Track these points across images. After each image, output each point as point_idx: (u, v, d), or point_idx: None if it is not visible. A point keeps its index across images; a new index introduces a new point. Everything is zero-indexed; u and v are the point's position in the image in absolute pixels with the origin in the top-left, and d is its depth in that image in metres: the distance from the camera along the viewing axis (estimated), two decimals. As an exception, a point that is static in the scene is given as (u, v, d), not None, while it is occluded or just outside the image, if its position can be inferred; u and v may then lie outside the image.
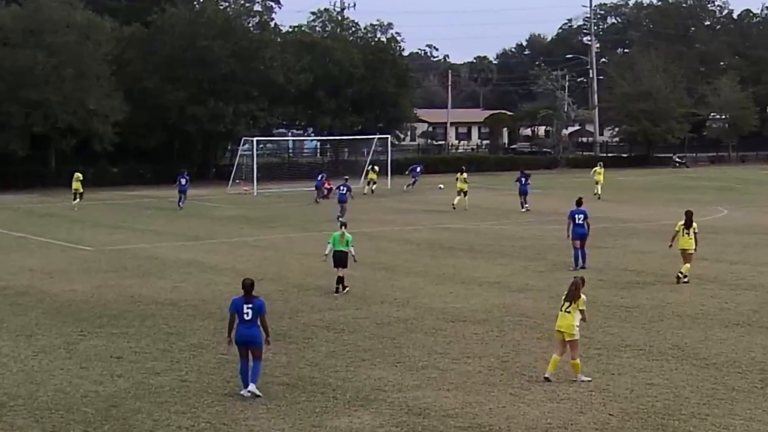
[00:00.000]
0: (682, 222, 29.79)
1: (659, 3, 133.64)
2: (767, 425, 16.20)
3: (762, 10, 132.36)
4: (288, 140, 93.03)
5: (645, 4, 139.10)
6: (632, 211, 51.09)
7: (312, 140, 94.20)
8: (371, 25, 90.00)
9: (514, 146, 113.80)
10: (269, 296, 26.79)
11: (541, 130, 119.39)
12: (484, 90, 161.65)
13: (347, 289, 27.57)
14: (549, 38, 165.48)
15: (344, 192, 48.55)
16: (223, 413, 16.71)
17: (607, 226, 38.75)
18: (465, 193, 53.16)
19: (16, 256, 34.94)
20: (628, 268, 32.12)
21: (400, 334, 22.42)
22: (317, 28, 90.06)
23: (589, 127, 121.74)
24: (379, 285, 28.72)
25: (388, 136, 77.16)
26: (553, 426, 16.11)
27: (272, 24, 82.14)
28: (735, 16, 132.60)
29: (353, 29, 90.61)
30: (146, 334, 22.46)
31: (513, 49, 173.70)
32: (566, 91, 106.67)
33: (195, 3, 78.71)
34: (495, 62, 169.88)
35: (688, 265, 29.30)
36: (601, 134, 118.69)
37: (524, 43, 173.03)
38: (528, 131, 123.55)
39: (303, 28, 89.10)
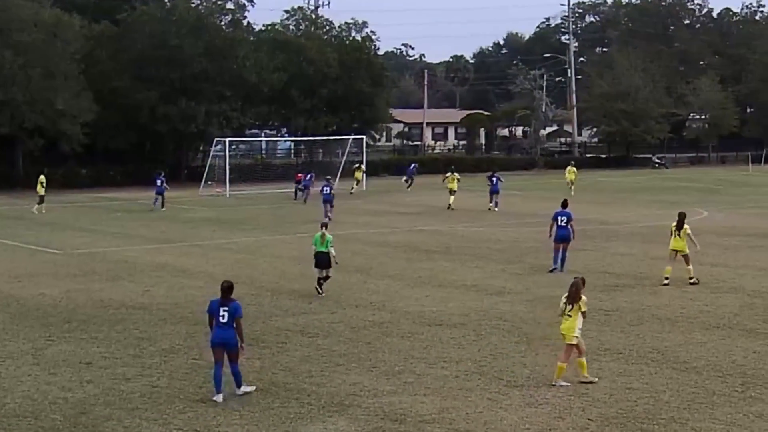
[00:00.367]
0: (675, 223, 29.92)
1: (638, 1, 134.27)
2: (748, 430, 16.26)
3: (742, 8, 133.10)
4: (261, 141, 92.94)
5: (624, 3, 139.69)
6: (611, 213, 51.24)
7: (286, 141, 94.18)
8: (346, 23, 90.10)
9: (497, 152, 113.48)
10: (242, 300, 26.71)
11: (519, 131, 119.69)
12: (460, 90, 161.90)
13: (322, 293, 27.54)
14: (527, 37, 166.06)
15: (329, 192, 49.13)
16: (195, 420, 16.66)
17: (585, 228, 38.78)
18: (453, 193, 54.62)
19: (-17, 260, 34.77)
20: (607, 270, 32.20)
21: (376, 339, 22.40)
22: (291, 27, 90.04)
23: (568, 128, 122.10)
24: (354, 288, 28.70)
25: (363, 136, 77.19)
26: (531, 431, 16.14)
27: (245, 22, 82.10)
28: (715, 14, 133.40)
29: (327, 28, 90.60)
30: (116, 339, 22.37)
31: (490, 48, 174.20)
32: (544, 90, 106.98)
33: (166, 0, 78.50)
34: (472, 61, 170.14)
35: (690, 267, 29.48)
36: (580, 135, 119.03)
37: (501, 42, 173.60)
38: (505, 132, 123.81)
39: (276, 27, 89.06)
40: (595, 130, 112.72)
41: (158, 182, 54.37)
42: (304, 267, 32.70)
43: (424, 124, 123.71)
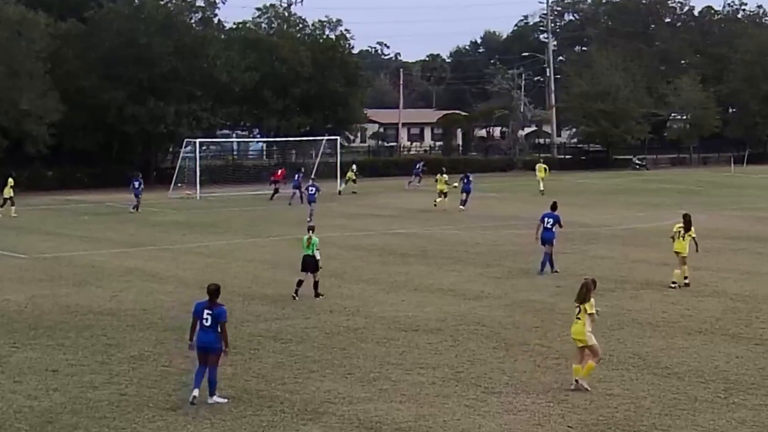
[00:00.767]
0: (680, 225, 30.14)
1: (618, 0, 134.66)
2: (731, 436, 16.36)
3: (724, 6, 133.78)
4: (232, 142, 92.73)
5: (603, 1, 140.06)
6: (591, 216, 51.37)
7: (258, 142, 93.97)
8: (319, 21, 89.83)
9: (474, 153, 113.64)
10: (213, 305, 26.75)
11: (497, 131, 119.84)
12: (437, 89, 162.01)
13: (306, 296, 27.76)
14: (504, 36, 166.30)
15: (313, 192, 50.49)
16: (165, 428, 16.62)
17: (565, 231, 38.74)
18: (445, 195, 55.64)
19: (-55, 265, 34.60)
20: (587, 274, 32.18)
21: (351, 344, 22.40)
22: (263, 25, 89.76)
23: (546, 128, 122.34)
24: (328, 293, 28.66)
25: (338, 137, 77.12)
26: (510, 439, 16.18)
27: (216, 20, 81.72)
28: (696, 13, 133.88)
29: (300, 26, 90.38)
30: (83, 345, 22.29)
31: (467, 47, 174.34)
32: (522, 90, 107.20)
33: (134, -2, 78.27)
34: (448, 60, 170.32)
35: (685, 267, 29.75)
36: (559, 135, 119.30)
37: (479, 41, 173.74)
38: (483, 132, 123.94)
39: (248, 25, 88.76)
40: (574, 130, 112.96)
41: (135, 184, 54.53)
42: (276, 271, 32.69)
43: (400, 125, 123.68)
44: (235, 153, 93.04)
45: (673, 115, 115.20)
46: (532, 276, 31.95)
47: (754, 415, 17.39)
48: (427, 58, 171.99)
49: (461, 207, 54.53)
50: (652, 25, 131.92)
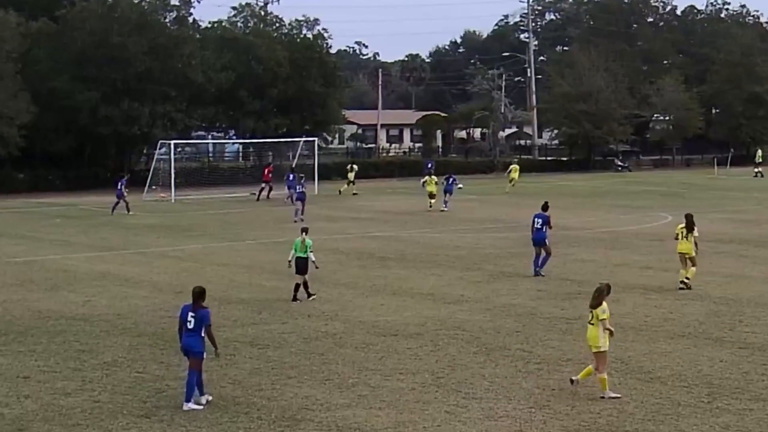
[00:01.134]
0: (683, 225, 30.37)
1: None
2: (714, 442, 16.42)
3: (707, 6, 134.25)
4: (208, 143, 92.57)
5: (585, 0, 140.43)
6: (573, 218, 51.45)
7: (234, 143, 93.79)
8: (296, 20, 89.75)
9: (454, 155, 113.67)
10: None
11: (477, 133, 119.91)
12: (416, 90, 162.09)
13: (313, 296, 28.10)
14: (485, 35, 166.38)
15: (302, 191, 51.35)
16: (139, 436, 16.59)
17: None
18: (433, 196, 56.51)
19: None
20: (569, 277, 32.36)
21: (329, 350, 22.39)
22: (239, 24, 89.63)
23: (527, 130, 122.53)
24: (306, 297, 28.63)
25: (315, 138, 77.13)
26: (490, 445, 16.20)
27: (191, 19, 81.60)
28: (678, 12, 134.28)
29: (277, 25, 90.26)
30: (56, 351, 22.21)
31: (447, 47, 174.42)
32: (503, 91, 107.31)
33: (107, -4, 78.06)
34: (428, 60, 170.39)
35: (693, 269, 29.99)
36: (540, 136, 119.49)
37: (459, 41, 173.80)
38: (463, 134, 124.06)
39: (224, 24, 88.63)
40: (555, 132, 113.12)
41: (118, 185, 54.53)
42: (253, 275, 32.65)
43: (379, 126, 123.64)
44: (210, 155, 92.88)
45: (655, 116, 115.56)
46: (512, 280, 32.01)
47: (738, 419, 17.46)
48: (407, 58, 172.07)
49: (443, 208, 55.00)
50: (635, 25, 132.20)
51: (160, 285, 31.05)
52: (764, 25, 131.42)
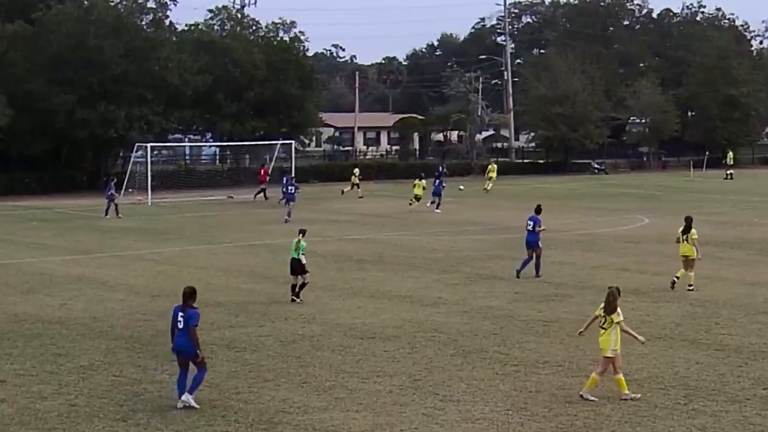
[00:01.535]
0: (682, 228, 30.50)
1: (576, 2, 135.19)
2: (691, 443, 16.46)
3: (682, 9, 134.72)
4: (185, 146, 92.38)
5: (561, 3, 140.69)
6: (549, 221, 51.31)
7: (211, 146, 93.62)
8: (273, 23, 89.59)
9: (431, 157, 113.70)
10: (165, 313, 26.56)
11: (454, 135, 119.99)
12: (393, 93, 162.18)
13: (299, 300, 28.27)
14: (461, 38, 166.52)
15: (293, 192, 52.77)
16: (116, 440, 16.54)
17: (522, 236, 38.91)
18: (419, 199, 57.17)
19: None
20: (546, 280, 32.42)
21: (306, 353, 22.38)
22: (215, 27, 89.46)
23: (504, 132, 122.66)
24: (283, 300, 28.63)
25: (292, 141, 77.01)
26: (468, 448, 16.21)
27: (167, 22, 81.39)
28: (655, 15, 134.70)
29: (254, 28, 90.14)
30: (32, 355, 22.13)
31: (424, 50, 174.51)
32: (480, 93, 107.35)
33: (84, -1, 77.83)
34: (405, 63, 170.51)
35: (691, 273, 30.14)
36: (517, 139, 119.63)
37: (435, 43, 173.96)
38: (440, 136, 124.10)
39: (200, 27, 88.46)
40: (532, 134, 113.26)
41: (107, 189, 54.83)
42: (230, 278, 32.61)
43: (356, 129, 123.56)
44: (187, 158, 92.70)
45: (632, 118, 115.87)
46: (489, 282, 32.07)
47: (714, 421, 17.52)
48: (384, 61, 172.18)
49: (435, 210, 56.04)
50: (611, 28, 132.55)
51: (137, 288, 30.97)
52: (740, 28, 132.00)
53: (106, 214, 54.16)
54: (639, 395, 18.81)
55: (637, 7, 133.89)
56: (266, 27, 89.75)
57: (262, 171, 67.53)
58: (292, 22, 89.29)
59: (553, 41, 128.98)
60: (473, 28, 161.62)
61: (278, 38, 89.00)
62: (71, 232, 47.24)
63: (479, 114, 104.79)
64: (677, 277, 30.37)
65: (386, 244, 42.26)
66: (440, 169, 76.27)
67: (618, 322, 18.92)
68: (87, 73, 71.76)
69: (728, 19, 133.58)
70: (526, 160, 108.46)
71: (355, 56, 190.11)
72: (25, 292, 30.25)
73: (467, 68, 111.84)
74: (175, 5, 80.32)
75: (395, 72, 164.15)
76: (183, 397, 18.03)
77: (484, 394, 18.97)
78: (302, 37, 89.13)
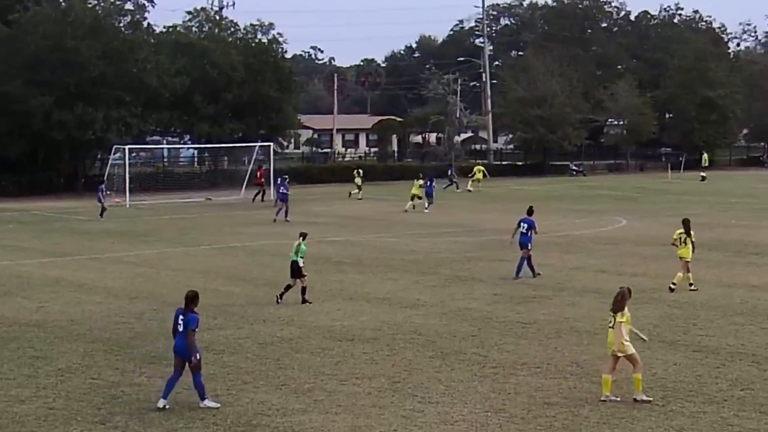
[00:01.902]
0: (681, 231, 30.68)
1: (554, 4, 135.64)
2: (669, 444, 16.50)
3: (660, 11, 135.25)
4: (163, 148, 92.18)
5: (539, 5, 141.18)
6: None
7: (189, 148, 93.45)
8: (251, 25, 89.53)
9: (410, 159, 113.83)
10: (143, 315, 26.62)
11: (433, 137, 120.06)
12: (372, 94, 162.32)
13: (279, 302, 28.28)
14: (440, 40, 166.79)
15: (285, 192, 53.43)
16: (94, 443, 16.49)
17: (500, 239, 39.06)
18: (418, 198, 58.84)
19: None
20: (524, 281, 32.46)
21: (285, 355, 22.35)
22: (194, 29, 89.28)
23: (483, 134, 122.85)
24: (262, 302, 28.59)
25: (271, 143, 76.88)
26: (447, 449, 16.21)
27: (145, 24, 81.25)
28: (632, 18, 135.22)
29: (232, 30, 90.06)
30: (9, 358, 22.04)
31: (402, 52, 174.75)
32: (458, 95, 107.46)
33: (61, 1, 77.53)
34: (383, 65, 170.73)
35: (689, 274, 30.59)
36: (495, 141, 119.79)
37: (414, 45, 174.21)
38: (418, 138, 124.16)
39: (178, 29, 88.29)
40: (510, 136, 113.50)
41: (98, 192, 55.61)
42: (208, 280, 32.52)
43: (334, 131, 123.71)
44: (165, 160, 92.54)
45: (610, 120, 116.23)
46: (468, 284, 32.08)
47: (692, 422, 17.57)
48: (362, 63, 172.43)
49: (425, 210, 57.68)
50: (589, 30, 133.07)
51: (115, 291, 30.88)
52: (717, 30, 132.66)
53: (102, 216, 54.30)
54: (651, 398, 18.80)
55: (615, 9, 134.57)
56: (244, 29, 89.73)
57: (258, 173, 67.51)
58: (271, 24, 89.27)
59: (531, 43, 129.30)
60: (451, 30, 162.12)
61: (256, 40, 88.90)
62: (48, 235, 47.07)
63: (458, 116, 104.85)
64: (674, 283, 30.40)
65: (365, 246, 42.25)
66: (449, 171, 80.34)
67: (620, 322, 18.94)
68: (64, 74, 71.54)
69: (705, 21, 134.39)
70: (504, 162, 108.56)
71: (333, 58, 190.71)
72: (2, 295, 30.11)
73: (446, 70, 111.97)
74: (153, 7, 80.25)
75: (374, 74, 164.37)
76: (201, 404, 18.19)
77: (462, 395, 18.97)
78: (281, 39, 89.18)
